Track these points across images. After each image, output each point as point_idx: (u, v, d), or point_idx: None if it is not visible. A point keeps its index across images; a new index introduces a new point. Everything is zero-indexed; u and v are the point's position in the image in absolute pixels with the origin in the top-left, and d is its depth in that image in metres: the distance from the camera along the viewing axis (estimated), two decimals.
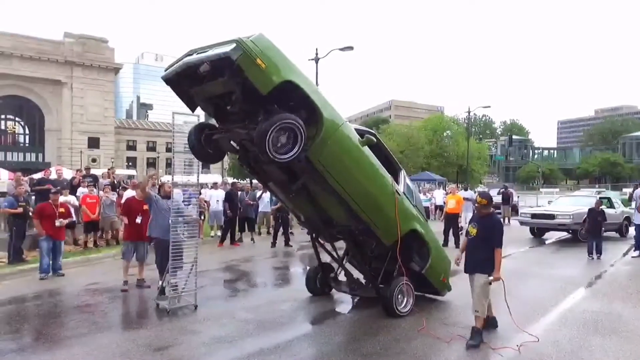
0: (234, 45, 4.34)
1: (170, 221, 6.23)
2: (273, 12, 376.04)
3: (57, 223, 8.29)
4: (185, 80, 5.13)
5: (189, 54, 4.90)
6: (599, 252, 10.72)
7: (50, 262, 8.27)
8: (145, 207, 7.31)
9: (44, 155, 51.93)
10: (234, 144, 5.56)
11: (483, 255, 5.01)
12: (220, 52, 4.41)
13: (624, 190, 29.15)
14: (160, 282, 6.60)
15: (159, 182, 8.85)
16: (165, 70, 5.31)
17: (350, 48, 19.68)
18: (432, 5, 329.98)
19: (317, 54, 20.15)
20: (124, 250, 7.57)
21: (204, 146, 5.59)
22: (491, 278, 4.94)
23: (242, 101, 4.79)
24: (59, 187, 10.35)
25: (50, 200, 8.53)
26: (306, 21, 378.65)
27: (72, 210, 10.59)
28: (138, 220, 7.43)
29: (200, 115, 5.91)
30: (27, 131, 53.88)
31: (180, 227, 6.26)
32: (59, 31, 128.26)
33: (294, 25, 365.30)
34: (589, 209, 11.43)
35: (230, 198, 12.45)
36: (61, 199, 10.30)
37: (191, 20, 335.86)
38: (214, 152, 5.76)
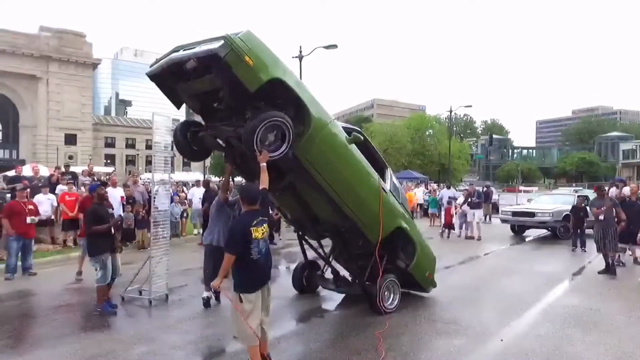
0: (221, 42, 4.29)
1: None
2: (257, 9, 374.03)
3: (29, 220, 8.08)
4: (171, 77, 5.04)
5: (175, 50, 4.81)
6: (583, 245, 11.45)
7: (19, 262, 8.05)
8: None
9: (19, 152, 50.57)
10: (220, 142, 5.52)
11: None
12: (208, 49, 4.35)
13: None
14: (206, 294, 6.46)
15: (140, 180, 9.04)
16: (150, 67, 5.21)
17: (335, 46, 19.70)
18: (416, 5, 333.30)
19: (300, 51, 20.09)
20: (83, 244, 7.73)
21: (190, 143, 5.53)
22: None
23: (229, 98, 4.73)
24: (30, 183, 10.06)
25: (17, 198, 8.32)
26: (290, 19, 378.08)
27: (51, 209, 10.40)
28: None
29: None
30: (0, 127, 52.41)
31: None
32: (34, 25, 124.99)
33: (278, 23, 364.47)
34: (572, 206, 12.16)
35: (207, 199, 12.23)
36: (40, 197, 10.08)
37: (172, 15, 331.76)
38: (200, 149, 5.70)
